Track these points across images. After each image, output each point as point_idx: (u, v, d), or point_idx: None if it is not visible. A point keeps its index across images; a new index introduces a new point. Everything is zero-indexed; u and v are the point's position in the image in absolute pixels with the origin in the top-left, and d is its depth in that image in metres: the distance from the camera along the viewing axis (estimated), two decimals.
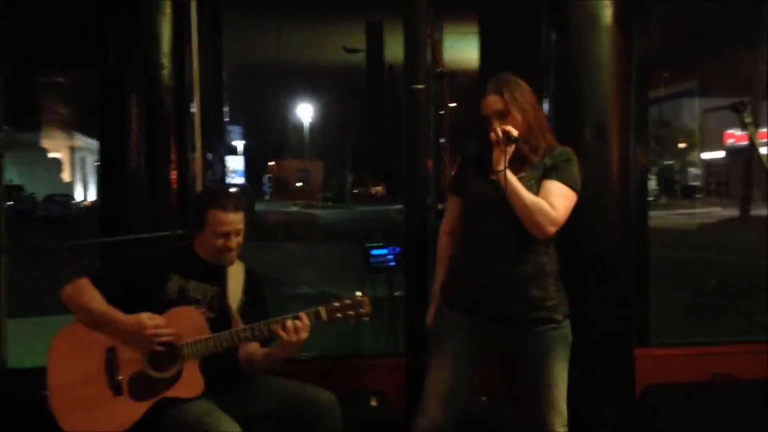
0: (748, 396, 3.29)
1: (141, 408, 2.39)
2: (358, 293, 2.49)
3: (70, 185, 38.31)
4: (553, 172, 2.37)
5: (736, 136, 36.51)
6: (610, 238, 3.13)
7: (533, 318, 2.40)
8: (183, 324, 2.43)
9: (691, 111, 37.58)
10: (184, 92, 3.15)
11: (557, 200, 2.33)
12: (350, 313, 2.46)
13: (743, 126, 2.32)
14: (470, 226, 2.49)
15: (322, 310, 2.45)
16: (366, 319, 2.49)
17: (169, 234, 2.72)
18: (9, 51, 3.96)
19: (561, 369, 2.43)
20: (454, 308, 2.49)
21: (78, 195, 36.99)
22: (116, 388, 2.42)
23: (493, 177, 2.35)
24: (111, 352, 2.44)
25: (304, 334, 2.40)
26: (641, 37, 3.45)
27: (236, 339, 2.43)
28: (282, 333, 2.40)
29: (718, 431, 3.17)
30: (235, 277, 2.64)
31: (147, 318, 2.40)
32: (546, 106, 3.25)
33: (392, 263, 3.32)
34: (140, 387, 2.41)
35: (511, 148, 2.31)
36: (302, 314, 2.43)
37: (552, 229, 2.32)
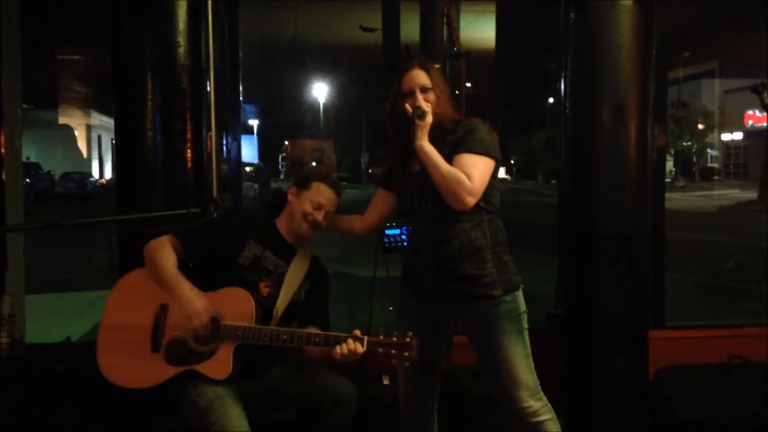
0: (763, 379, 3.28)
1: (169, 372, 2.44)
2: (410, 333, 2.30)
3: (87, 163, 38.55)
4: (459, 145, 2.38)
5: (756, 118, 36.11)
6: (626, 219, 3.11)
7: (469, 295, 2.39)
8: (232, 305, 2.45)
9: (711, 92, 37.18)
10: (200, 71, 3.14)
11: (471, 170, 2.33)
12: (392, 351, 2.30)
13: (763, 107, 2.29)
14: (407, 216, 2.57)
15: (365, 340, 2.34)
16: (407, 364, 2.30)
17: (185, 212, 2.72)
18: (27, 29, 3.97)
19: (513, 343, 2.40)
20: (405, 289, 2.57)
21: (95, 173, 37.20)
22: (156, 345, 2.47)
23: (415, 169, 2.44)
24: (163, 308, 2.49)
25: (351, 358, 2.34)
26: (661, 16, 3.40)
27: (275, 338, 2.41)
28: (340, 347, 2.34)
29: (733, 414, 3.16)
30: (301, 261, 2.68)
31: (204, 308, 2.42)
32: (563, 85, 3.23)
33: (406, 243, 3.32)
34: (176, 352, 2.45)
35: (423, 123, 2.36)
36: (348, 341, 2.34)
37: (471, 200, 2.32)
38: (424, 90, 2.44)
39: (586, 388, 3.17)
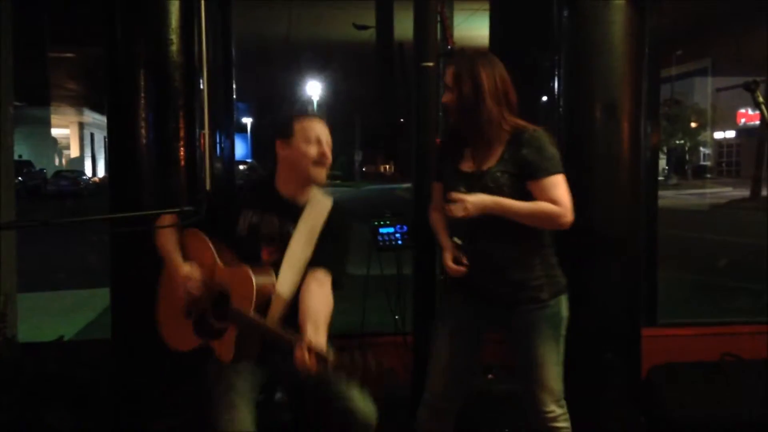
0: (755, 376, 3.29)
1: (194, 342, 2.36)
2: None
3: (79, 161, 38.42)
4: (535, 169, 2.33)
5: (748, 116, 36.23)
6: (620, 217, 3.12)
7: (517, 298, 2.41)
8: (237, 284, 2.27)
9: (704, 90, 37.25)
10: (193, 68, 3.13)
11: (556, 193, 2.31)
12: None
13: (756, 105, 2.29)
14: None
15: (330, 360, 2.00)
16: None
17: (178, 210, 2.72)
18: (19, 26, 3.96)
19: (549, 348, 2.42)
20: (450, 290, 2.55)
21: (87, 171, 37.08)
22: (188, 312, 2.39)
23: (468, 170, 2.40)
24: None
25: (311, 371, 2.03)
26: (653, 15, 3.41)
27: (266, 335, 2.21)
28: (297, 354, 2.04)
29: (725, 411, 3.18)
30: (319, 212, 2.44)
31: (186, 269, 2.34)
32: (556, 84, 3.23)
33: (400, 242, 3.33)
34: (200, 323, 2.36)
35: (464, 206, 2.27)
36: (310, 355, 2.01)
37: (567, 221, 2.31)
38: (448, 89, 2.39)
39: (580, 386, 3.18)
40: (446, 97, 2.41)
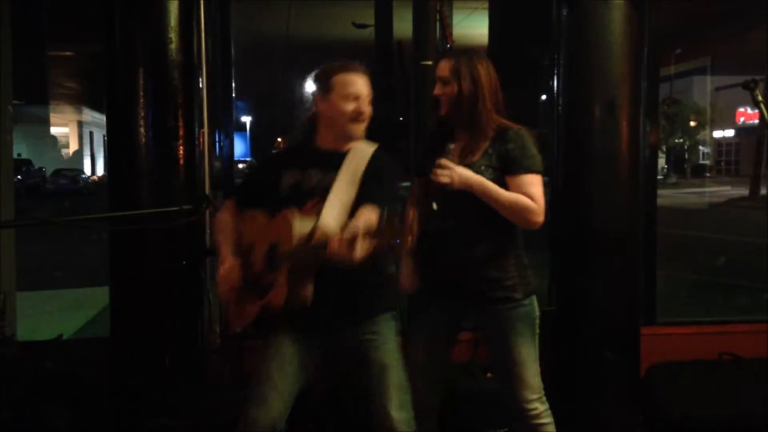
0: (754, 375, 3.29)
1: (256, 306, 2.29)
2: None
3: (78, 159, 38.38)
4: (516, 165, 2.36)
5: (747, 115, 36.25)
6: (619, 216, 3.12)
7: (492, 297, 2.43)
8: (281, 230, 2.22)
9: (703, 89, 37.23)
10: (192, 67, 3.13)
11: (533, 190, 2.34)
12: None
13: (755, 104, 2.29)
14: (429, 208, 2.47)
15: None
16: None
17: (177, 209, 2.72)
18: (18, 25, 3.95)
19: (526, 346, 2.45)
20: (425, 286, 2.54)
21: (86, 169, 37.05)
22: (247, 282, 2.33)
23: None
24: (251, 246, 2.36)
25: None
26: (652, 13, 3.41)
27: (307, 254, 2.16)
28: (330, 245, 2.08)
29: (724, 410, 3.17)
30: (361, 157, 2.37)
31: (227, 270, 2.31)
32: (555, 83, 3.23)
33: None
34: (255, 286, 2.30)
35: (450, 178, 2.29)
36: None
37: (539, 220, 2.34)
38: (443, 82, 2.42)
39: (578, 384, 3.18)
40: (440, 90, 2.43)
